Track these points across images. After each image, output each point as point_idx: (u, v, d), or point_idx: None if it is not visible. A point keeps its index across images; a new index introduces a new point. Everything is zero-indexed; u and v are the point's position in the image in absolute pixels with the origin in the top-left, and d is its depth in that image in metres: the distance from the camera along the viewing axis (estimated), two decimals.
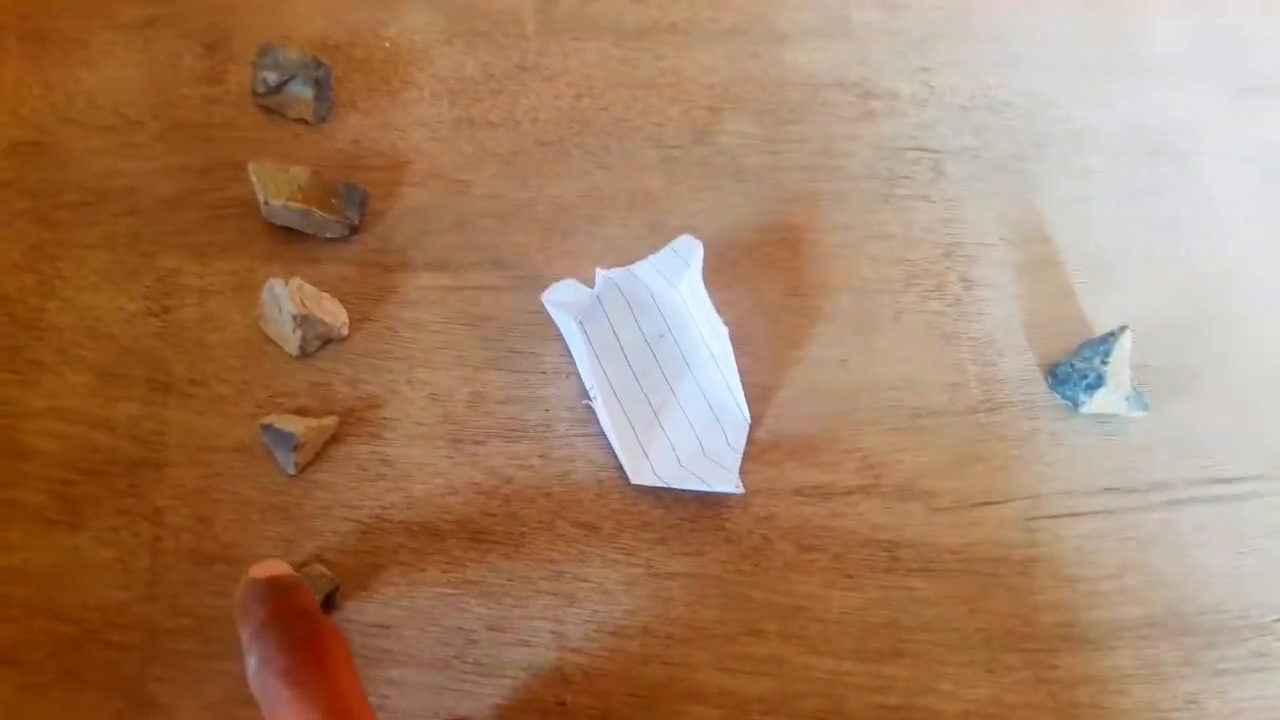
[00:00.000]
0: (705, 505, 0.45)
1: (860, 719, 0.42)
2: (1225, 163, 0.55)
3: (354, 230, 0.48)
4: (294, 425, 0.43)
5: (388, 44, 0.53)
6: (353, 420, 0.45)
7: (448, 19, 0.54)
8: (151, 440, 0.44)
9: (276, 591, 0.34)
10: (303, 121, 0.50)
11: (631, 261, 0.46)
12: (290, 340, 0.45)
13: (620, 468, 0.45)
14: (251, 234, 0.48)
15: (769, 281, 0.50)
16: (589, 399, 0.46)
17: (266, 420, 0.43)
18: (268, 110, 0.51)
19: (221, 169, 0.49)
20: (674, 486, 0.44)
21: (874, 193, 0.52)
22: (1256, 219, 0.54)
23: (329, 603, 0.41)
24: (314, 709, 0.31)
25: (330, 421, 0.44)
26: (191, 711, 0.40)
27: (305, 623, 0.33)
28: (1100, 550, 0.46)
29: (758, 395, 0.47)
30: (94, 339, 0.45)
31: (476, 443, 0.45)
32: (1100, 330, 0.50)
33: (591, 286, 0.46)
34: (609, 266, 0.45)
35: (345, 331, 0.46)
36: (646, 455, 0.45)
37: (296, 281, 0.45)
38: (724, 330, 0.45)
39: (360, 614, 0.42)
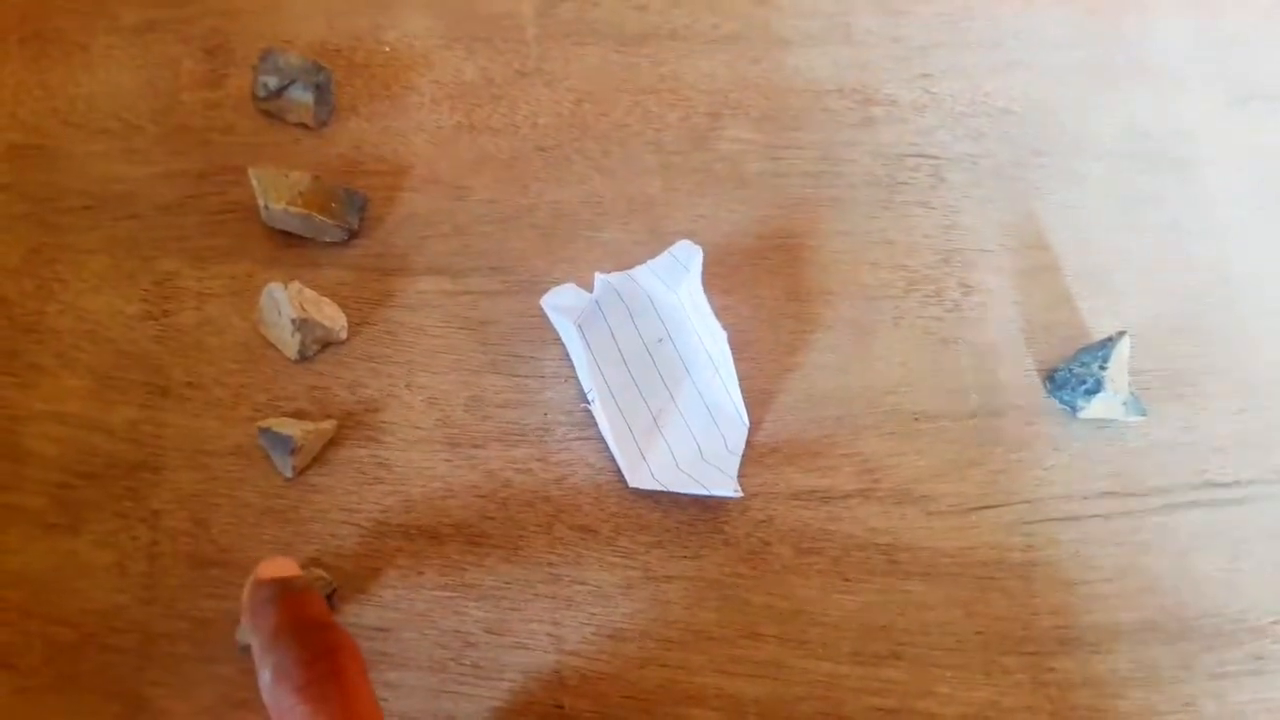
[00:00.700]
0: (704, 509, 0.45)
1: None
2: (1224, 169, 0.55)
3: (354, 235, 0.48)
4: (292, 429, 0.43)
5: (388, 49, 0.53)
6: (351, 424, 0.45)
7: (448, 24, 0.54)
8: (149, 444, 0.44)
9: (288, 596, 0.33)
10: (303, 126, 0.51)
11: (631, 266, 0.46)
12: (289, 344, 0.45)
13: (619, 471, 0.45)
14: (251, 238, 0.48)
15: (768, 287, 0.50)
16: (588, 403, 0.46)
17: (265, 424, 0.43)
18: (268, 115, 0.51)
19: (222, 173, 0.49)
20: (672, 490, 0.44)
21: (874, 199, 0.52)
22: (1255, 225, 0.54)
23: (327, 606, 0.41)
24: None
25: (329, 425, 0.44)
26: (188, 715, 0.40)
27: (320, 635, 0.32)
28: (1098, 554, 0.46)
29: (757, 400, 0.47)
30: (93, 343, 0.46)
31: (475, 446, 0.45)
32: (1098, 335, 0.50)
33: (591, 291, 0.46)
34: (608, 271, 0.46)
35: (344, 335, 0.46)
36: (645, 459, 0.45)
37: (296, 286, 0.45)
38: (723, 335, 0.45)
39: (358, 617, 0.42)
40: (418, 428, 0.45)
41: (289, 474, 0.43)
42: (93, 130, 0.50)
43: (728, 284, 0.50)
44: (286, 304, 0.44)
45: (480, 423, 0.46)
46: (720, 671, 0.43)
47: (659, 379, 0.47)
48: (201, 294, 0.47)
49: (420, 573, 0.43)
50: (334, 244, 0.48)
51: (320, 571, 0.41)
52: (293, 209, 0.46)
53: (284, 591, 0.33)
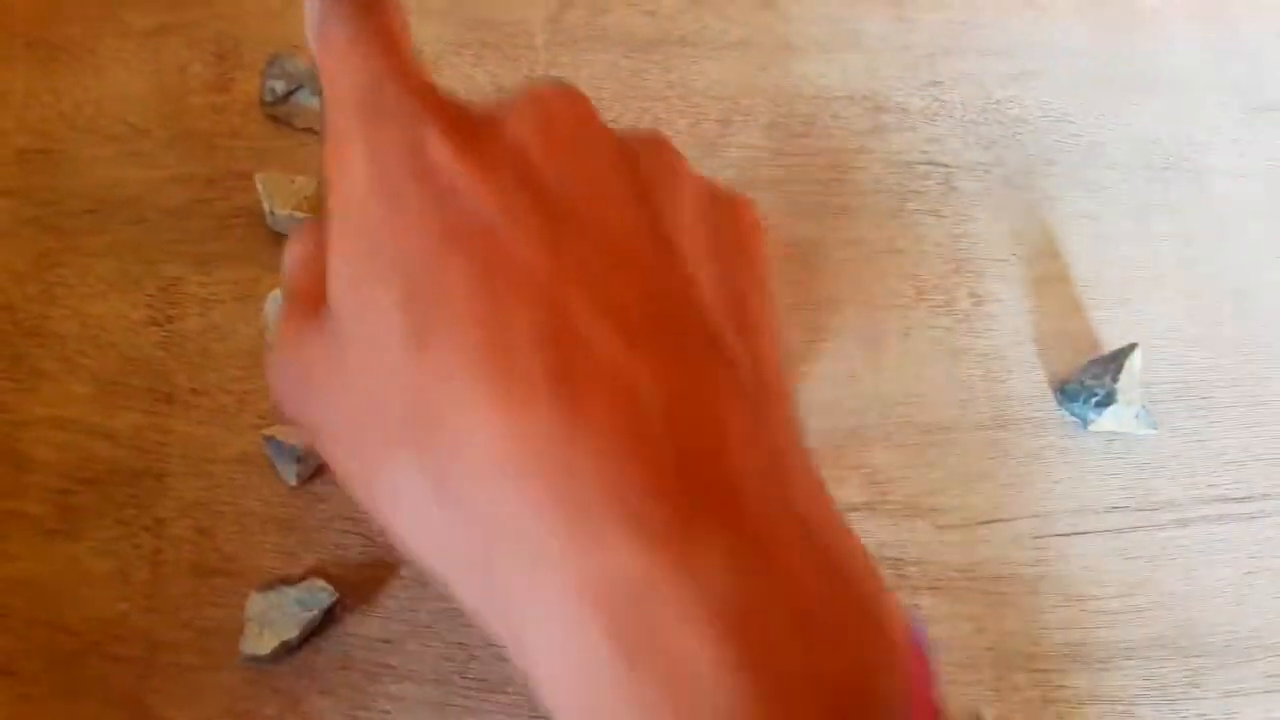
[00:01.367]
0: None
1: None
2: (1238, 180, 0.54)
3: None
4: (297, 437, 0.42)
5: None
6: None
7: (457, 30, 0.53)
8: (153, 450, 0.44)
9: None
10: (310, 131, 0.50)
11: None
12: None
13: None
14: (257, 244, 0.48)
15: (777, 295, 0.49)
16: None
17: (269, 431, 0.43)
18: (275, 119, 0.50)
19: (228, 178, 0.49)
20: None
21: (884, 207, 0.52)
22: (1269, 236, 0.53)
23: (329, 616, 0.41)
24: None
25: None
26: None
27: None
28: (1108, 569, 0.46)
29: None
30: (97, 348, 0.45)
31: None
32: (1110, 347, 0.49)
33: None
34: None
35: None
36: None
37: None
38: None
39: (361, 628, 0.42)
40: None
41: (293, 482, 0.43)
42: (100, 134, 0.49)
43: None
44: None
45: None
46: None
47: None
48: (206, 300, 0.47)
49: (424, 584, 0.42)
50: None
51: (323, 582, 0.41)
52: (299, 214, 0.46)
53: None
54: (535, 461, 0.22)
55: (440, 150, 0.24)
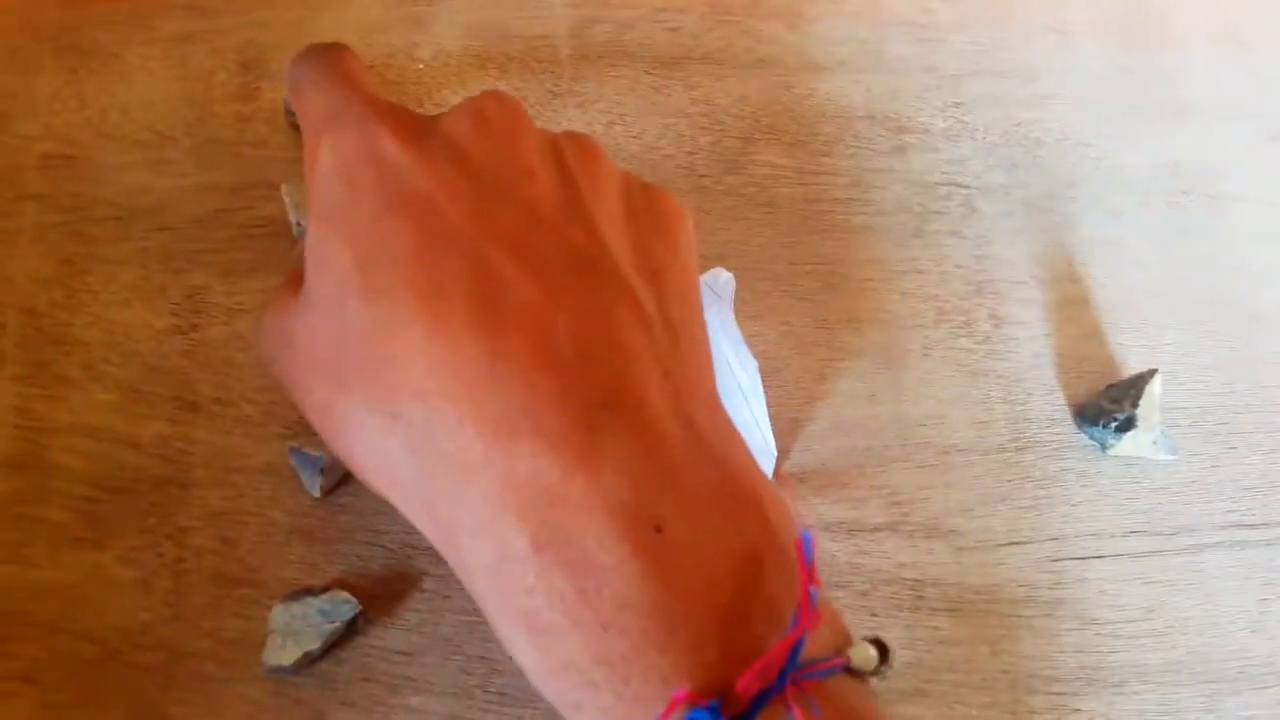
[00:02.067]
0: None
1: None
2: (1259, 206, 0.55)
3: None
4: (321, 448, 0.42)
5: (421, 66, 0.53)
6: None
7: (482, 44, 0.54)
8: (178, 459, 0.44)
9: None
10: None
11: None
12: None
13: None
14: (282, 254, 0.48)
15: (798, 314, 0.50)
16: None
17: (295, 443, 0.43)
18: (299, 129, 0.50)
19: (253, 187, 0.49)
20: None
21: (905, 227, 0.52)
22: None
23: (352, 627, 0.41)
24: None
25: None
26: None
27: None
28: (1125, 593, 0.46)
29: (784, 428, 0.47)
30: (121, 355, 0.45)
31: None
32: (1130, 371, 0.50)
33: None
34: None
35: None
36: None
37: None
38: (754, 364, 0.45)
39: (382, 640, 0.42)
40: None
41: (317, 493, 0.43)
42: (126, 141, 0.49)
43: (756, 309, 0.49)
44: None
45: None
46: None
47: None
48: (231, 309, 0.47)
49: (446, 596, 0.42)
50: None
51: (345, 593, 0.41)
52: None
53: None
54: (462, 385, 0.26)
55: (388, 143, 0.29)
